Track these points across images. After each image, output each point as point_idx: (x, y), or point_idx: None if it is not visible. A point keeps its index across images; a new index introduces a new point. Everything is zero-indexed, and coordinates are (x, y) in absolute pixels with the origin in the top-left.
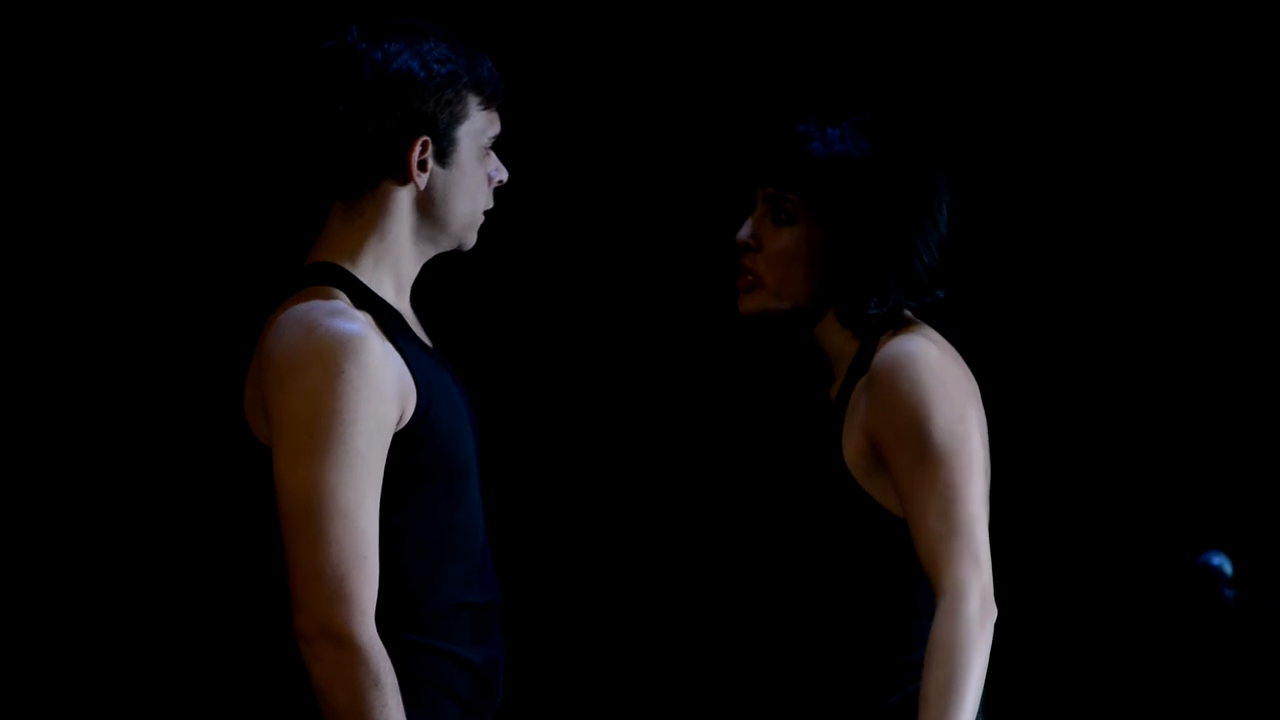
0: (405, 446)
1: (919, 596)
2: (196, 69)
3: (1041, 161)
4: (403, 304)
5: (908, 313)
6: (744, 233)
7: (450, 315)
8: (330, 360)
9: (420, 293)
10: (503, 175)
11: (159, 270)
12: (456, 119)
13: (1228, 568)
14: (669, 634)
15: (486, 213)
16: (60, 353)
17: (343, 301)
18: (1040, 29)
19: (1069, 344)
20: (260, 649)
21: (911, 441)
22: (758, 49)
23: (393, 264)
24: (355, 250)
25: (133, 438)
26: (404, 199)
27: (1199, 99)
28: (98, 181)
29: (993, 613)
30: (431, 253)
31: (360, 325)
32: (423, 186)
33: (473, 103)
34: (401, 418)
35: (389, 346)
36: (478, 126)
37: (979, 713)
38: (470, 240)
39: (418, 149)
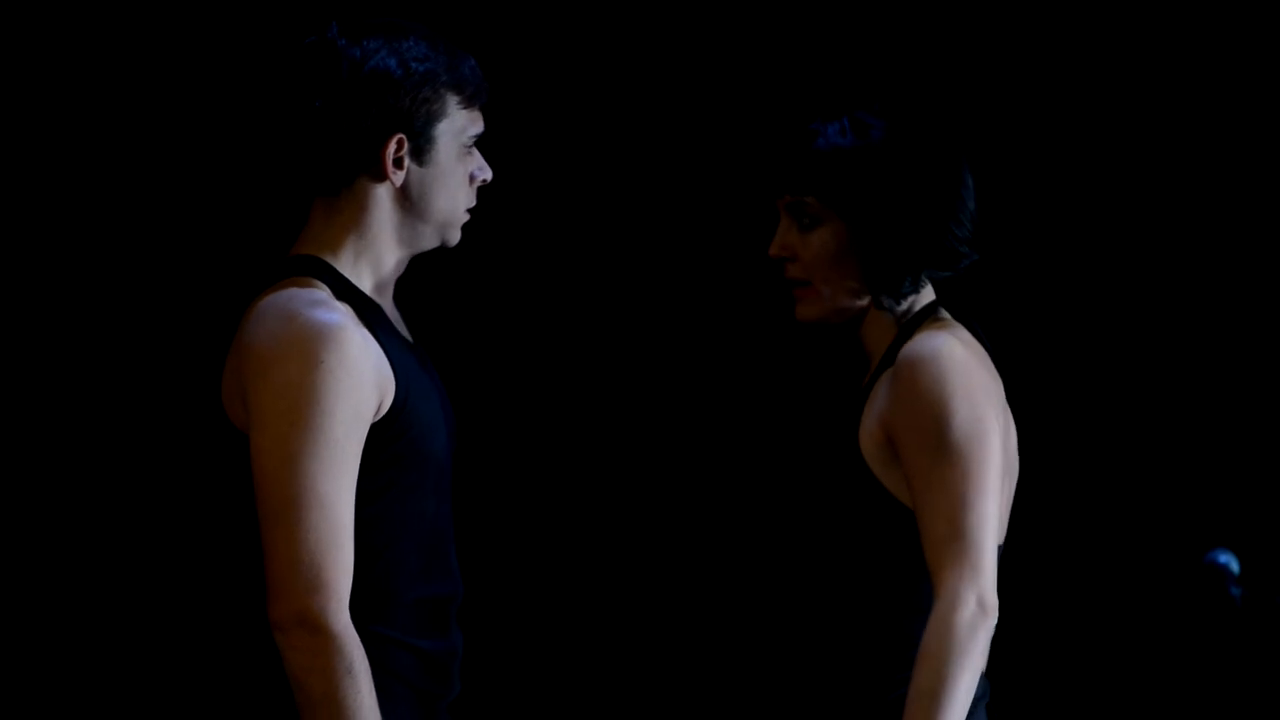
0: (382, 437)
1: (925, 591)
2: (178, 64)
3: (1044, 166)
4: (384, 299)
5: (944, 312)
6: (775, 248)
7: (436, 313)
8: (310, 350)
9: (404, 290)
10: (486, 174)
11: (139, 262)
12: (434, 117)
13: (1235, 566)
14: (673, 620)
15: (472, 211)
16: (40, 342)
17: (323, 292)
18: (1047, 29)
19: (1077, 344)
20: (236, 637)
21: (927, 440)
22: (754, 57)
23: (373, 260)
24: (335, 245)
25: (111, 426)
26: (382, 196)
27: (1202, 96)
28: (80, 175)
29: (988, 620)
30: (414, 250)
31: (340, 316)
32: (399, 184)
33: (452, 101)
34: (380, 408)
35: (368, 337)
36: (457, 125)
37: (983, 713)
38: (453, 238)
39: (393, 147)
